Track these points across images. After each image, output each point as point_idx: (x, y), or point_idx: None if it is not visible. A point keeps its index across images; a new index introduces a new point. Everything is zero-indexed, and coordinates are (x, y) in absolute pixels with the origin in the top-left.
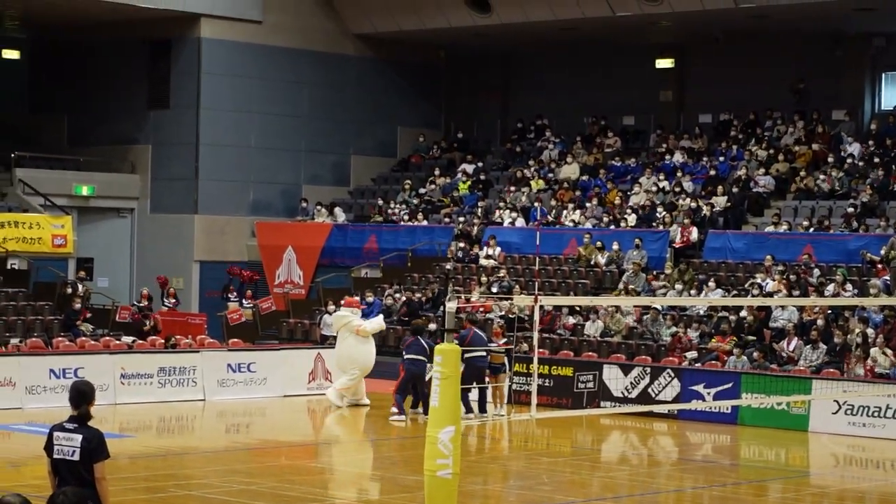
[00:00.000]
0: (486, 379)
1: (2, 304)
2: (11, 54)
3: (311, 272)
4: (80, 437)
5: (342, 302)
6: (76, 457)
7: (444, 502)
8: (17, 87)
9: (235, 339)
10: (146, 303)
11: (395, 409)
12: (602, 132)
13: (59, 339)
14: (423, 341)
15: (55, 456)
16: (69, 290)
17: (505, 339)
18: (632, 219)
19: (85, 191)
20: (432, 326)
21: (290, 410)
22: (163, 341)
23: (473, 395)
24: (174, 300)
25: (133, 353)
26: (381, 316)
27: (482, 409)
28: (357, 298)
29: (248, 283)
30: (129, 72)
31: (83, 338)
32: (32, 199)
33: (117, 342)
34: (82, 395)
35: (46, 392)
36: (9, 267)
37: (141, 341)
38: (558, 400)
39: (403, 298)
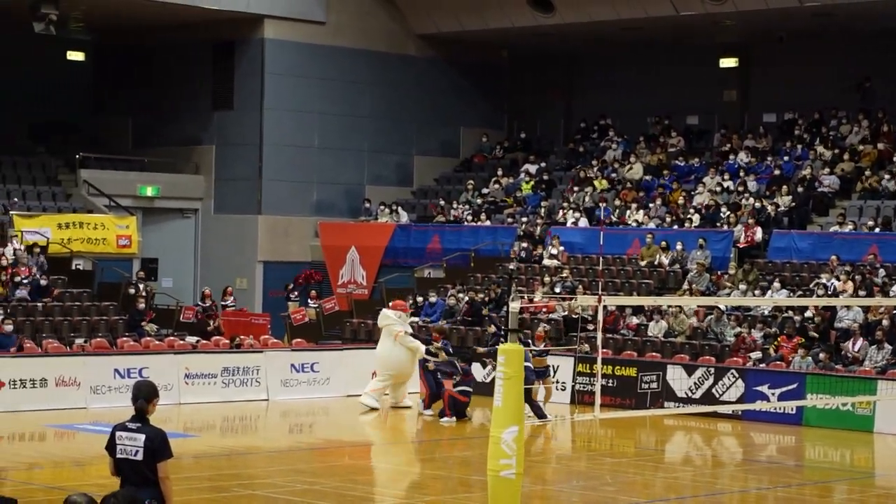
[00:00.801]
0: (537, 385)
1: (67, 305)
2: (77, 56)
3: (375, 272)
4: (143, 437)
5: (390, 304)
6: (139, 456)
7: (508, 502)
8: (82, 88)
9: (299, 339)
10: (209, 302)
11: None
12: (665, 132)
13: (124, 339)
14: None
15: (118, 455)
16: (133, 291)
17: (544, 344)
18: (696, 219)
19: (149, 191)
20: (492, 329)
21: (354, 410)
22: (227, 341)
23: None
24: (231, 299)
25: (197, 353)
26: (422, 346)
27: (540, 415)
28: (405, 302)
29: (311, 283)
30: (194, 73)
31: (147, 338)
32: (97, 200)
33: (181, 342)
34: (140, 391)
35: (111, 392)
36: (74, 267)
37: (205, 341)
38: (622, 400)
39: (466, 299)
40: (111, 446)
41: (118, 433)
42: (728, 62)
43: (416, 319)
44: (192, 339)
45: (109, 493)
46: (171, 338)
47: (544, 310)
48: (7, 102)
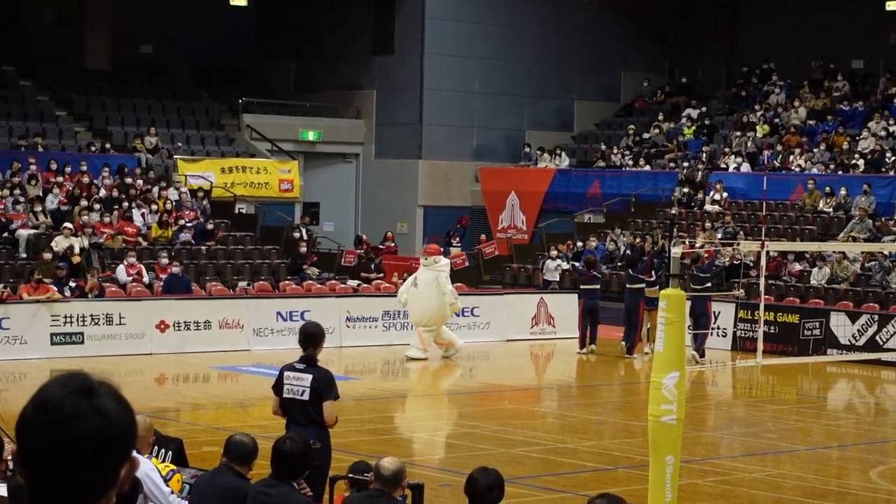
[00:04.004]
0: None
1: (230, 248)
2: (239, 1)
3: (534, 217)
4: (309, 378)
5: (423, 249)
6: (306, 396)
7: (668, 447)
8: (244, 33)
9: (459, 284)
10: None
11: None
12: (830, 76)
13: (286, 282)
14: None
15: (285, 395)
16: (296, 235)
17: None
18: (860, 164)
19: (311, 136)
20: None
21: (513, 355)
22: (389, 285)
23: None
24: (392, 244)
25: (358, 297)
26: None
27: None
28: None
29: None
30: (355, 17)
31: (309, 281)
32: (260, 145)
33: (343, 286)
34: (307, 333)
35: (273, 334)
36: (237, 211)
37: (366, 285)
38: (783, 347)
39: (626, 243)
40: (278, 386)
41: (286, 373)
42: (894, 5)
43: (577, 264)
44: (353, 283)
45: (285, 436)
46: (333, 281)
47: (705, 255)
48: (171, 48)
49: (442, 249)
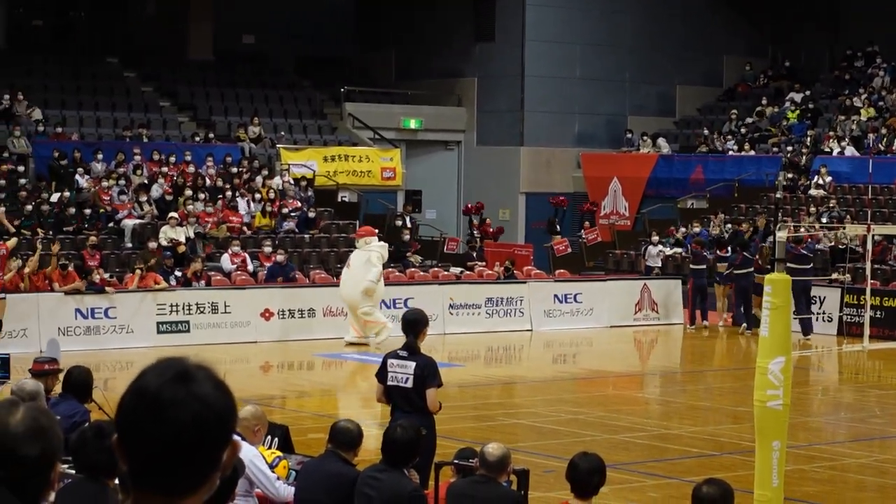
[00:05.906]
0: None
1: (333, 236)
2: None
3: (637, 203)
4: (413, 365)
5: (358, 232)
6: (409, 384)
7: (775, 433)
8: (346, 22)
9: (562, 270)
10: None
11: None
12: None
13: (389, 269)
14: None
15: (389, 383)
16: (398, 223)
17: None
18: None
19: (413, 124)
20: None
21: (617, 341)
22: (491, 272)
23: None
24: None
25: (461, 284)
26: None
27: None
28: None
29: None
30: (455, 5)
31: (412, 269)
32: (362, 133)
33: (446, 273)
34: (410, 324)
35: None
36: (339, 199)
37: (469, 272)
38: (889, 332)
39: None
40: (382, 374)
41: (390, 361)
42: None
43: (680, 250)
44: (456, 270)
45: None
46: (436, 269)
47: (810, 240)
48: (273, 37)
49: (376, 231)
